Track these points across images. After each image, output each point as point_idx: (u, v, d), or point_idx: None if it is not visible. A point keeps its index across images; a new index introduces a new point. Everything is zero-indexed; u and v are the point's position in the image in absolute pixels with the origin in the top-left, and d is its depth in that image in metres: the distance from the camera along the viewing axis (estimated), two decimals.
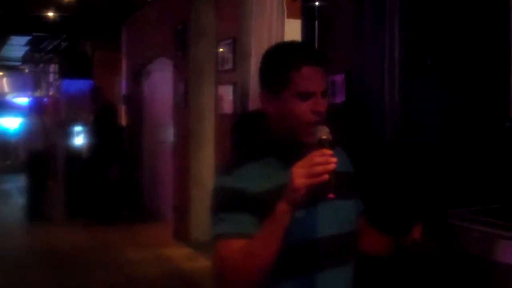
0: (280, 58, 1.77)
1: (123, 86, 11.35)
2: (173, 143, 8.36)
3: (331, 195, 1.58)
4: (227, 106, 6.38)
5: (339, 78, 4.16)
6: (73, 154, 10.05)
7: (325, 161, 1.56)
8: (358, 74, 3.98)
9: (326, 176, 1.55)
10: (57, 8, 9.57)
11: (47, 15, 9.95)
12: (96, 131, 9.51)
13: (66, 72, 13.45)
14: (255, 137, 1.85)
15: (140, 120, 10.49)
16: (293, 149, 1.64)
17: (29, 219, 9.61)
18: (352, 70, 4.05)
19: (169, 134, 8.61)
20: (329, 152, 1.58)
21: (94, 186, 9.70)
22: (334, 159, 1.57)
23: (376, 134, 3.69)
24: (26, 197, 10.07)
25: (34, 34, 12.63)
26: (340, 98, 4.12)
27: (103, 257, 7.30)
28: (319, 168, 1.55)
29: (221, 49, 6.60)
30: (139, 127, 10.51)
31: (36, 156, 9.71)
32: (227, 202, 1.73)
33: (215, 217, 1.75)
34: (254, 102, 5.09)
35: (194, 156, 7.45)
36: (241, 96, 5.83)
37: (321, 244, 1.77)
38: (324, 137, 1.63)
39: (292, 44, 1.90)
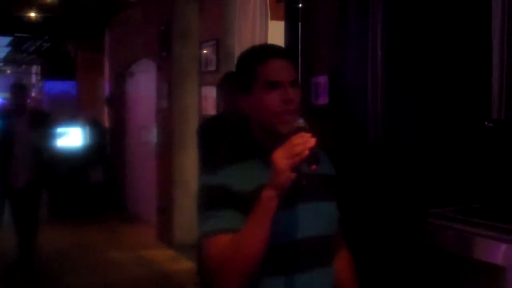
0: (248, 57, 1.87)
1: (106, 87, 11.31)
2: (156, 145, 8.34)
3: (313, 167, 1.62)
4: (210, 107, 6.37)
5: (322, 79, 4.18)
6: (56, 156, 9.99)
7: (304, 141, 1.61)
8: (341, 75, 4.01)
9: (307, 152, 1.59)
10: (40, 8, 9.51)
11: (30, 16, 9.88)
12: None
13: (48, 73, 13.39)
14: (238, 139, 1.87)
15: (123, 121, 10.45)
16: (273, 149, 1.65)
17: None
18: (336, 71, 4.07)
19: (152, 136, 8.59)
20: (307, 134, 1.63)
21: (76, 187, 9.67)
22: (313, 139, 1.62)
23: (357, 135, 3.71)
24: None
25: (16, 34, 12.55)
26: (323, 100, 4.14)
27: (86, 259, 7.26)
28: (299, 147, 1.60)
29: (204, 51, 6.60)
30: (122, 128, 10.47)
31: None
32: (212, 199, 1.74)
33: (201, 216, 1.75)
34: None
35: (177, 158, 7.44)
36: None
37: (302, 245, 1.77)
38: (300, 125, 1.68)
39: (259, 45, 2.09)
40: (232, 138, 1.89)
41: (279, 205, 1.63)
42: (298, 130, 1.66)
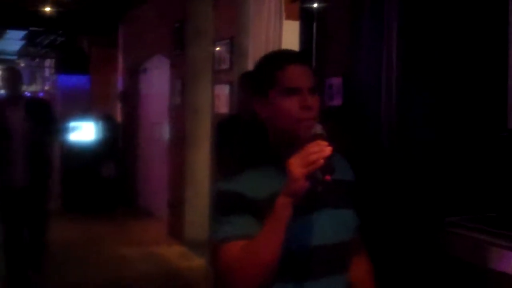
0: (266, 62, 1.87)
1: (119, 82, 11.35)
2: (168, 141, 8.36)
3: (327, 177, 1.61)
4: (223, 106, 6.38)
5: (337, 81, 4.17)
6: (68, 149, 10.05)
7: (320, 149, 1.61)
8: (356, 77, 3.99)
9: (322, 161, 1.59)
10: (55, 3, 9.55)
11: (44, 10, 9.92)
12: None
13: (62, 67, 13.42)
14: (254, 145, 1.87)
15: (136, 117, 10.49)
16: (289, 157, 1.65)
17: None
18: (350, 73, 4.06)
19: (164, 132, 8.61)
20: (324, 143, 1.63)
21: (88, 181, 9.73)
22: (329, 148, 1.62)
23: (371, 137, 3.70)
24: None
25: (30, 28, 12.59)
26: (337, 101, 4.13)
27: (96, 253, 7.30)
28: (315, 156, 1.60)
29: (218, 48, 6.61)
30: (135, 124, 10.51)
31: None
32: (227, 205, 1.75)
33: (216, 221, 1.76)
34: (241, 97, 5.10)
35: (189, 155, 7.46)
36: (237, 96, 5.84)
37: (316, 252, 1.77)
38: (318, 132, 1.68)
39: (278, 50, 2.11)
40: (248, 142, 1.89)
41: (294, 211, 1.63)
42: (315, 137, 1.66)
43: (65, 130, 7.12)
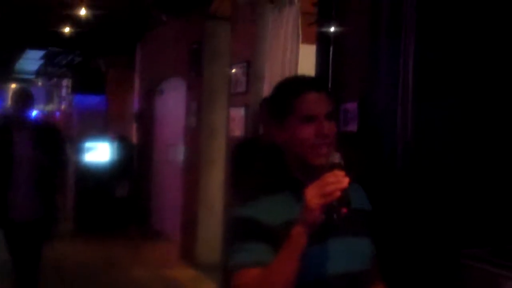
0: (283, 89, 1.87)
1: (135, 103, 11.39)
2: (183, 163, 8.35)
3: (344, 210, 1.60)
4: (238, 129, 6.37)
5: (352, 106, 4.15)
6: (84, 170, 10.07)
7: (337, 180, 1.59)
8: (372, 102, 3.97)
9: (338, 193, 1.57)
10: (74, 23, 9.64)
11: (63, 31, 10.02)
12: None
13: (79, 87, 13.52)
14: (272, 170, 1.85)
15: (151, 138, 10.51)
16: (306, 183, 1.63)
17: None
18: (366, 98, 4.04)
19: (179, 154, 8.61)
20: (341, 173, 1.61)
21: (102, 202, 9.73)
22: (346, 179, 1.60)
23: (386, 164, 3.66)
24: None
25: (49, 48, 12.72)
26: (352, 127, 4.10)
27: (108, 275, 7.26)
28: (331, 187, 1.58)
29: (234, 71, 6.61)
30: (150, 145, 10.53)
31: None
32: (243, 231, 1.74)
33: (232, 247, 1.75)
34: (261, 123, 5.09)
35: (203, 177, 7.44)
36: (252, 119, 5.82)
37: (332, 281, 1.75)
38: (336, 161, 1.66)
39: (295, 77, 2.11)
40: (265, 168, 1.88)
41: (309, 239, 1.61)
42: (333, 166, 1.64)
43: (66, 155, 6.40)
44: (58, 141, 5.27)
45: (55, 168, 5.19)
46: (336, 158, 1.67)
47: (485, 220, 2.79)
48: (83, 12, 8.57)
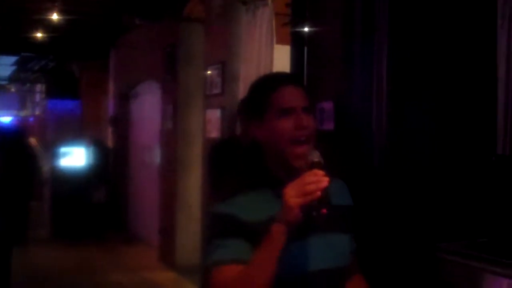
0: (259, 85, 1.87)
1: (110, 107, 11.34)
2: (159, 166, 8.33)
3: (323, 211, 1.59)
4: (215, 130, 6.37)
5: (328, 105, 4.18)
6: (60, 175, 9.99)
7: (317, 180, 1.58)
8: (347, 101, 4.00)
9: (318, 193, 1.57)
10: (46, 28, 9.56)
11: (36, 36, 9.94)
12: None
13: (52, 92, 13.42)
14: (250, 167, 1.85)
15: (127, 142, 10.47)
16: (286, 181, 1.64)
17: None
18: (341, 97, 4.07)
19: (155, 157, 8.59)
20: (321, 172, 1.61)
21: (79, 207, 9.66)
22: (326, 178, 1.59)
23: (363, 162, 3.70)
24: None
25: (22, 54, 12.61)
26: (328, 125, 4.14)
27: (87, 280, 7.22)
28: (311, 187, 1.57)
29: (209, 73, 6.62)
30: (126, 149, 10.49)
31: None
32: (221, 228, 1.73)
33: (210, 244, 1.74)
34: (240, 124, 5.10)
35: (180, 180, 7.44)
36: (229, 120, 5.84)
37: (312, 278, 1.76)
38: (315, 160, 1.65)
39: (271, 73, 1.99)
40: (244, 166, 1.88)
41: (288, 237, 1.61)
42: (313, 165, 1.63)
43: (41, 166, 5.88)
44: (24, 149, 5.08)
45: (24, 176, 4.95)
46: (316, 156, 1.66)
47: (460, 214, 2.83)
48: (55, 16, 8.50)
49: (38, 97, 17.06)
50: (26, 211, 5.17)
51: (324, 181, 1.59)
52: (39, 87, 16.74)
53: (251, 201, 1.76)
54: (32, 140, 7.37)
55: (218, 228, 1.74)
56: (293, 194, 1.58)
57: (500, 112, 2.83)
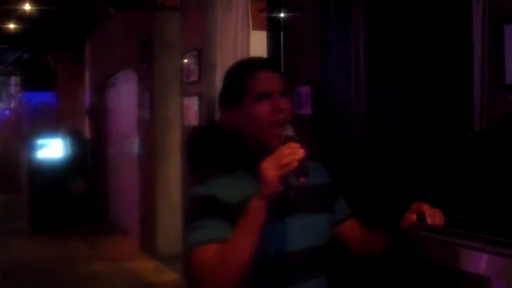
0: (236, 70, 1.88)
1: (86, 98, 11.27)
2: (138, 155, 8.31)
3: (302, 179, 1.62)
4: (193, 118, 6.37)
5: (305, 89, 4.19)
6: (37, 167, 9.93)
7: (292, 152, 1.60)
8: (324, 85, 4.02)
9: (295, 164, 1.58)
10: (19, 19, 9.46)
11: (8, 27, 9.82)
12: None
13: (28, 84, 13.30)
14: (228, 151, 1.86)
15: (105, 132, 10.42)
16: (262, 160, 1.66)
17: None
18: (318, 81, 4.08)
19: (134, 146, 8.56)
20: (296, 145, 1.63)
21: (58, 199, 9.62)
22: (301, 150, 1.61)
23: (341, 145, 3.72)
24: None
25: None
26: (306, 110, 4.15)
27: (68, 271, 7.20)
28: (288, 158, 1.59)
29: (186, 61, 6.60)
30: (104, 139, 10.44)
31: None
32: (201, 209, 1.74)
33: (190, 226, 1.75)
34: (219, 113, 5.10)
35: (160, 168, 7.42)
36: (206, 107, 5.83)
37: (291, 258, 1.78)
38: (289, 134, 1.68)
39: (247, 58, 2.01)
40: (222, 149, 1.89)
41: (268, 217, 1.62)
42: (287, 140, 1.66)
43: None
44: None
45: None
46: (289, 131, 1.69)
47: (438, 192, 2.87)
48: (28, 7, 8.40)
49: (13, 89, 16.89)
50: None
51: (300, 152, 1.61)
52: (14, 79, 16.57)
53: (230, 183, 1.78)
54: None
55: (197, 209, 1.75)
56: (270, 167, 1.59)
57: (477, 89, 2.86)
